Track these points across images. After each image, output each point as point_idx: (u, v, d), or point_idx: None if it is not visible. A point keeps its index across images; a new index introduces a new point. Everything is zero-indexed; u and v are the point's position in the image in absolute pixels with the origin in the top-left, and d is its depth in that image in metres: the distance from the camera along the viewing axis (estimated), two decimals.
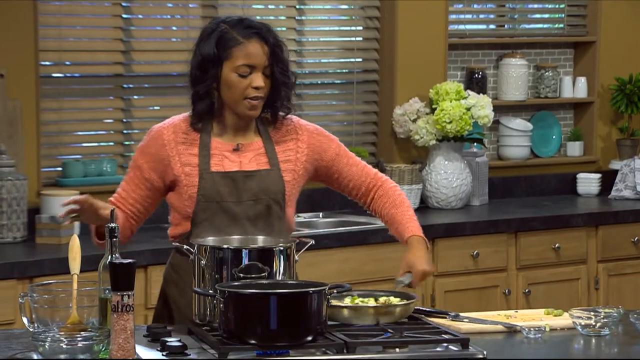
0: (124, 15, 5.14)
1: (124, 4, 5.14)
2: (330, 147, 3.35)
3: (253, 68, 3.21)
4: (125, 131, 5.19)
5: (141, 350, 2.83)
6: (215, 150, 3.26)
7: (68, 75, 5.08)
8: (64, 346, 2.74)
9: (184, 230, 3.27)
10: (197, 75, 3.24)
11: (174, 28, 5.32)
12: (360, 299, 3.11)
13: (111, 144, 5.19)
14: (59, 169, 5.04)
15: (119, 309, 2.68)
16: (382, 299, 3.09)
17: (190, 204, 3.24)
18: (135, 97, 5.22)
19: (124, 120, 5.18)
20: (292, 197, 3.31)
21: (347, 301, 3.09)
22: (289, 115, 3.33)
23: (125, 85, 5.20)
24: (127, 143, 5.20)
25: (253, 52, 3.21)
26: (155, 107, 5.26)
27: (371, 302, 3.08)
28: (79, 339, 2.75)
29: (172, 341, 2.83)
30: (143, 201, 3.28)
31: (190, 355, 2.81)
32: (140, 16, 5.20)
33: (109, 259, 2.85)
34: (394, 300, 3.08)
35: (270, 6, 5.49)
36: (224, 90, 3.23)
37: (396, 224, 3.33)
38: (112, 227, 2.88)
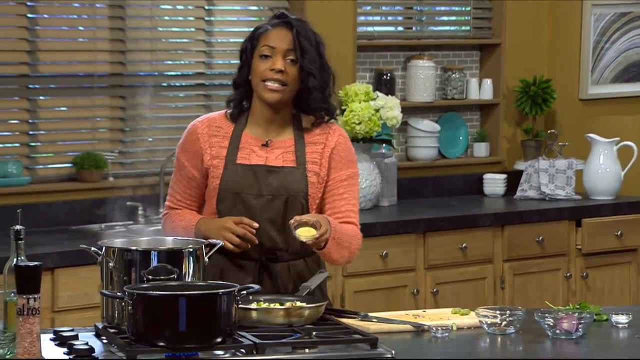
0: (29, 15, 5.06)
1: (29, 3, 5.06)
2: (342, 170, 3.35)
3: (273, 50, 3.28)
4: (31, 132, 5.11)
5: (48, 354, 2.79)
6: (245, 144, 3.32)
7: None
8: None
9: None
10: (238, 70, 3.34)
11: (81, 28, 5.26)
12: (267, 304, 3.11)
13: (17, 145, 5.11)
14: None
15: (25, 312, 2.64)
16: (288, 304, 3.10)
17: (214, 194, 3.30)
18: (42, 97, 5.15)
19: (30, 121, 5.11)
20: (316, 199, 3.32)
21: (254, 306, 3.08)
22: (331, 121, 3.37)
23: (30, 86, 5.12)
24: (32, 144, 5.13)
25: (275, 36, 3.29)
26: (62, 108, 5.19)
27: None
28: None
29: (79, 344, 2.81)
30: (198, 197, 3.35)
31: (98, 358, 2.78)
32: (45, 15, 5.12)
33: (14, 262, 2.81)
34: (301, 304, 3.09)
35: (178, 6, 5.46)
36: (251, 76, 3.31)
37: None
38: (17, 229, 2.84)
